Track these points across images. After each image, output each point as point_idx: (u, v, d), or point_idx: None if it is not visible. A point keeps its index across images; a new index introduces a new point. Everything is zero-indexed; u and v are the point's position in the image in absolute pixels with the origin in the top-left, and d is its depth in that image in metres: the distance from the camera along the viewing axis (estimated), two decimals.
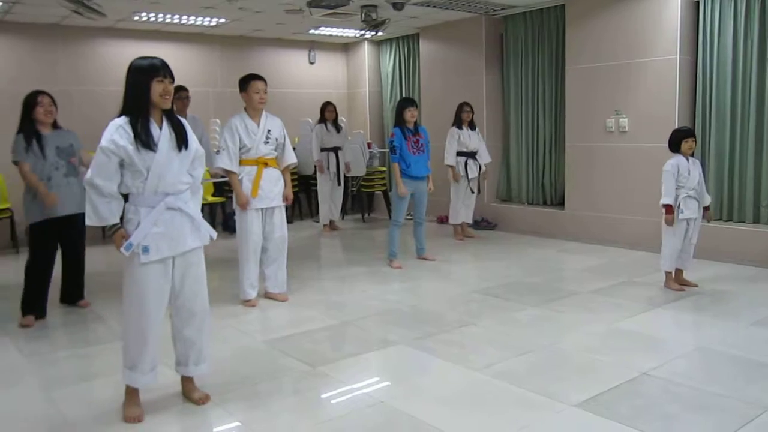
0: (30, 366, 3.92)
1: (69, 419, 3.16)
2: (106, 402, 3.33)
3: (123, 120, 3.00)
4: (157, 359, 3.21)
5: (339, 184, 8.82)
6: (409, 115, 6.25)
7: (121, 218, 3.10)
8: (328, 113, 8.60)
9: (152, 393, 3.35)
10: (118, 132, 2.97)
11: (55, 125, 4.92)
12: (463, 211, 7.81)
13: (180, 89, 5.10)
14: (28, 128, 4.75)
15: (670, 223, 5.12)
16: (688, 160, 5.13)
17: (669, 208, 5.10)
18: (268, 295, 5.27)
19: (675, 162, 5.10)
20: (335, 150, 8.66)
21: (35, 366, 3.92)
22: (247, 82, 4.99)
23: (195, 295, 3.23)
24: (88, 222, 3.06)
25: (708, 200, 5.30)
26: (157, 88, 3.02)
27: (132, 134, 2.97)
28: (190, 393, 3.31)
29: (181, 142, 3.12)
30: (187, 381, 3.34)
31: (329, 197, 8.80)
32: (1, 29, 7.72)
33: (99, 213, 3.01)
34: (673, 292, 5.18)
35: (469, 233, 8.01)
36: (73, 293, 5.25)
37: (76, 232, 4.95)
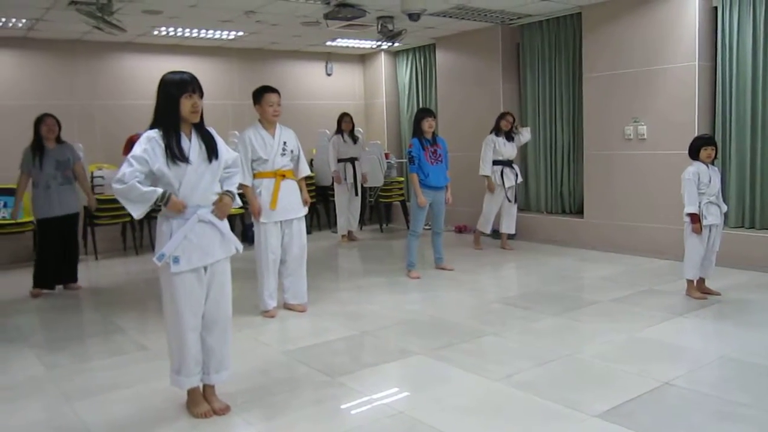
0: (52, 377, 3.96)
1: (92, 429, 3.18)
2: (128, 412, 3.36)
3: (155, 132, 3.07)
4: (200, 362, 3.26)
5: (356, 194, 8.85)
6: (427, 125, 6.25)
7: (153, 212, 3.09)
8: (344, 124, 8.65)
9: (173, 402, 3.38)
10: (150, 143, 3.04)
11: (58, 140, 5.99)
12: (505, 221, 7.68)
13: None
14: (36, 143, 5.87)
15: (698, 231, 5.04)
16: (708, 167, 5.08)
17: (695, 217, 5.05)
18: (287, 306, 5.28)
19: (695, 169, 5.05)
20: (352, 161, 8.70)
21: (57, 377, 3.96)
22: (260, 94, 4.97)
23: (218, 304, 3.27)
24: (137, 215, 3.07)
25: (725, 208, 5.24)
26: (186, 103, 3.07)
27: (164, 146, 3.03)
28: (210, 402, 3.32)
29: (211, 153, 3.17)
30: (208, 390, 3.35)
31: (347, 208, 8.83)
32: (24, 46, 7.86)
33: (137, 204, 3.01)
34: (695, 301, 5.12)
35: (509, 246, 7.72)
36: (69, 274, 6.22)
37: (71, 226, 6.14)
